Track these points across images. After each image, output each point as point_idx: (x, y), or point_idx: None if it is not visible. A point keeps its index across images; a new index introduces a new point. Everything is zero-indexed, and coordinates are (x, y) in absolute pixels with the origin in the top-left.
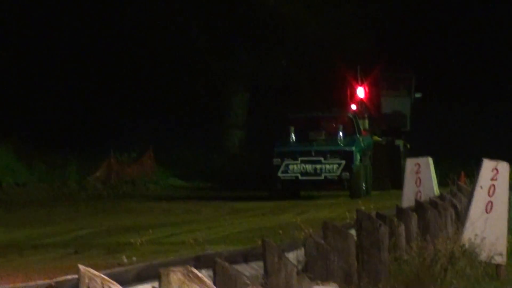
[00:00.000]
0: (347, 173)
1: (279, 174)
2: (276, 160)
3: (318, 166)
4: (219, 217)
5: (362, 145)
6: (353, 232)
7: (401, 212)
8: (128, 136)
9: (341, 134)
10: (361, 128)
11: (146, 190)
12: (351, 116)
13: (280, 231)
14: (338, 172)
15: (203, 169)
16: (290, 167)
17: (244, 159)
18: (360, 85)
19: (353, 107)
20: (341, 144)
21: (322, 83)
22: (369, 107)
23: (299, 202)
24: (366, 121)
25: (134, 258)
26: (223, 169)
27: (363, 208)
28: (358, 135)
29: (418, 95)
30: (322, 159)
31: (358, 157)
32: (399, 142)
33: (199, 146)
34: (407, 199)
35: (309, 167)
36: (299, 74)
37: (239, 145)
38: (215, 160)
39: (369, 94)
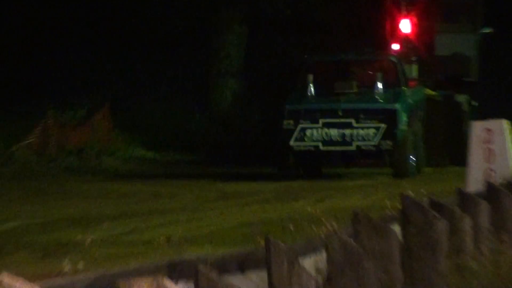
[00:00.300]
0: (389, 142)
1: (292, 142)
2: (288, 123)
3: (347, 132)
4: (203, 205)
5: (411, 101)
6: (396, 228)
7: (465, 200)
8: (73, 85)
9: (380, 85)
10: (409, 77)
11: (99, 165)
12: (394, 59)
13: (291, 226)
14: (376, 140)
15: (180, 136)
16: (308, 132)
17: (239, 121)
18: (405, 16)
19: (395, 47)
20: (381, 100)
21: (351, 13)
22: (418, 47)
23: (319, 183)
24: (414, 67)
25: (80, 264)
26: (209, 135)
27: (410, 193)
28: (404, 87)
29: (487, 30)
30: (353, 121)
31: (405, 118)
32: (461, 98)
33: (175, 102)
34: (474, 180)
35: (334, 132)
36: None
37: (233, 101)
38: (198, 123)
39: (418, 28)
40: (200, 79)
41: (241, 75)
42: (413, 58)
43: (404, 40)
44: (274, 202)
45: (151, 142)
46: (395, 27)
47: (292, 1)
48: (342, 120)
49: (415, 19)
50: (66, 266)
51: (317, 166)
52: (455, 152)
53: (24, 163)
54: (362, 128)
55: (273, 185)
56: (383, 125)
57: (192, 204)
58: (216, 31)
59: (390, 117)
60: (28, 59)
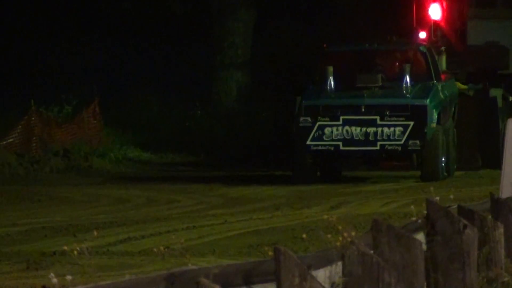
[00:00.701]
0: (417, 142)
1: (309, 141)
2: (305, 120)
3: (371, 130)
4: (205, 212)
5: (442, 96)
6: (421, 237)
7: (498, 206)
8: (59, 78)
9: (408, 78)
10: (442, 68)
11: (88, 167)
12: (424, 49)
13: (304, 235)
14: (403, 140)
15: (179, 134)
16: (327, 131)
17: (245, 118)
18: (434, 0)
19: (422, 35)
20: (408, 95)
21: None
22: (448, 35)
23: (335, 187)
24: (443, 58)
25: (68, 277)
26: (211, 134)
27: (437, 198)
28: (435, 80)
29: None
30: (377, 118)
31: (435, 115)
32: (496, 92)
33: (174, 96)
34: (509, 184)
35: (356, 131)
36: None
37: (238, 96)
38: (200, 120)
39: (448, 13)
40: (201, 71)
41: (248, 66)
42: (442, 48)
43: (433, 27)
44: (285, 209)
45: (146, 142)
46: (423, 12)
47: None
48: (365, 117)
49: (445, 3)
50: (52, 279)
51: (336, 168)
52: (488, 153)
53: (4, 166)
54: (388, 126)
55: (284, 189)
56: (411, 123)
57: (192, 211)
58: (219, 17)
59: (419, 114)
60: (8, 49)
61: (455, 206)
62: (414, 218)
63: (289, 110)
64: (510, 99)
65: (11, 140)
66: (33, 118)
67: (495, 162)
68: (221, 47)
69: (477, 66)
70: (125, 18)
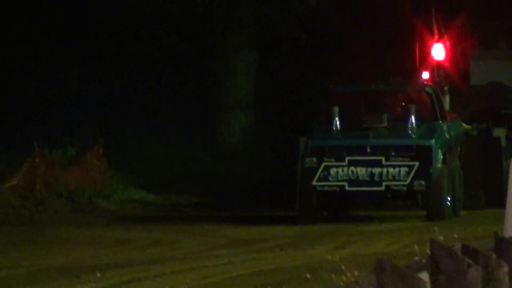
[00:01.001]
0: (422, 182)
1: (315, 182)
2: (310, 161)
3: (376, 170)
4: (209, 253)
5: (447, 136)
6: (425, 276)
7: (503, 245)
8: (63, 120)
9: (413, 119)
10: (446, 108)
11: (92, 209)
12: (429, 90)
13: (308, 275)
14: (408, 180)
15: (183, 175)
16: (332, 171)
17: (249, 158)
18: (437, 40)
19: (425, 75)
20: (413, 136)
21: (374, 36)
22: (451, 75)
23: (340, 227)
24: (447, 98)
25: None
26: (215, 174)
27: (441, 238)
28: (440, 120)
29: None
30: (383, 159)
31: (440, 156)
32: (500, 132)
33: (178, 137)
34: None
35: (362, 171)
36: (337, 20)
37: (242, 136)
38: (203, 161)
39: (451, 54)
40: (205, 111)
41: (251, 107)
42: (446, 88)
43: (436, 67)
44: (289, 249)
45: (150, 183)
46: (426, 52)
47: (308, 24)
48: (371, 157)
49: (448, 44)
50: None
51: (343, 208)
52: (492, 192)
53: (7, 207)
54: (393, 166)
55: (287, 229)
56: (416, 163)
57: (196, 252)
58: (222, 58)
59: (424, 154)
60: (11, 91)
61: (459, 245)
62: (417, 258)
63: (293, 150)
64: None
65: (15, 182)
66: (36, 160)
67: (499, 201)
68: (225, 88)
69: (481, 106)
70: (129, 59)
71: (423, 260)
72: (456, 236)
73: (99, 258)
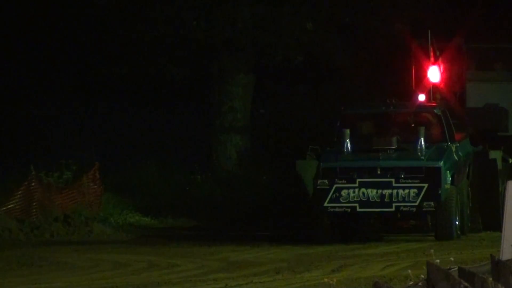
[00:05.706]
0: (432, 203)
1: (326, 203)
2: (322, 183)
3: (386, 192)
4: (205, 277)
5: (456, 157)
6: None
7: (499, 268)
8: (59, 144)
9: (422, 141)
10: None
11: (88, 232)
12: (439, 112)
13: None
14: (418, 201)
15: (180, 199)
16: (344, 193)
17: (245, 182)
18: (433, 63)
19: (421, 97)
20: (423, 158)
21: (371, 60)
22: (447, 98)
23: (337, 250)
24: None
25: None
26: (212, 198)
27: (437, 261)
28: (449, 142)
29: None
30: (392, 180)
31: (449, 177)
32: (496, 154)
33: (174, 161)
34: (509, 246)
35: (372, 193)
36: (333, 43)
37: (238, 160)
38: (200, 184)
39: (447, 76)
40: (201, 135)
41: (247, 130)
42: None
43: (432, 89)
44: (285, 272)
45: (146, 207)
46: (422, 75)
47: (305, 47)
48: (381, 179)
49: (444, 66)
50: None
51: (354, 229)
52: (488, 215)
53: (5, 231)
54: (403, 188)
55: (284, 253)
56: (425, 185)
57: (193, 275)
58: (218, 81)
59: (433, 176)
60: (8, 115)
61: (456, 268)
62: (411, 283)
63: (291, 173)
64: (510, 161)
65: (11, 205)
66: (33, 184)
67: (496, 224)
68: (220, 111)
69: (477, 128)
70: (124, 83)
71: (420, 284)
72: (452, 259)
73: (96, 282)
